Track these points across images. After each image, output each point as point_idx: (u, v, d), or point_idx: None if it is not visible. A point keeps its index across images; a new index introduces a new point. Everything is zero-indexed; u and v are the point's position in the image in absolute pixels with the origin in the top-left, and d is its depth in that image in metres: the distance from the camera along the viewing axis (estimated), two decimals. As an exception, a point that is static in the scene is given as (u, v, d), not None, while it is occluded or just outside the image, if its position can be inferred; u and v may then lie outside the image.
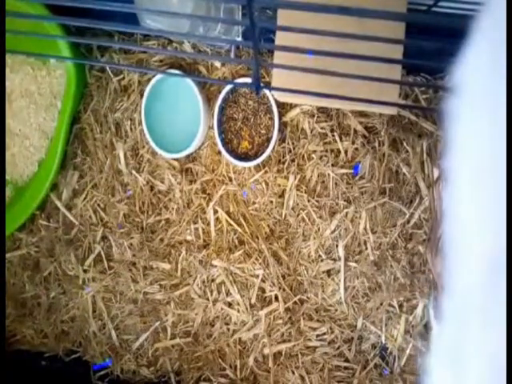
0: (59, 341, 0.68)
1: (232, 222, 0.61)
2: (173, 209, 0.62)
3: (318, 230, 0.59)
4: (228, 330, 0.63)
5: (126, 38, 0.63)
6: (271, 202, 0.60)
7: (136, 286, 0.64)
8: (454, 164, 0.18)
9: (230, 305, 0.62)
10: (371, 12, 0.23)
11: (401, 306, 0.60)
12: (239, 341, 0.63)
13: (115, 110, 0.63)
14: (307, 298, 0.61)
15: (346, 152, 0.59)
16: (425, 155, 0.58)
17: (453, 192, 0.18)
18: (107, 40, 0.63)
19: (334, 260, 0.60)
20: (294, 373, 0.61)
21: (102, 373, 0.67)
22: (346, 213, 0.59)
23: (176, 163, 0.62)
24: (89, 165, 0.65)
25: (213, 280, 0.62)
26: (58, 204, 0.65)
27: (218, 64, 0.61)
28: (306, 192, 0.59)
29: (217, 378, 0.63)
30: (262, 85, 0.36)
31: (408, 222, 0.59)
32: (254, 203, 0.61)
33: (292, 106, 0.59)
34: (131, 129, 0.63)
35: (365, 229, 0.59)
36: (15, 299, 0.68)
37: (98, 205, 0.65)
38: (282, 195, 0.60)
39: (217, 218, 0.62)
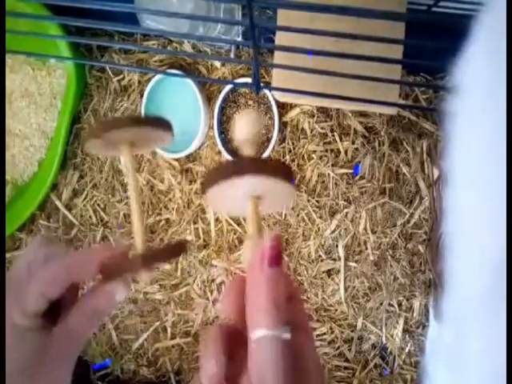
0: (59, 341, 0.68)
1: (232, 222, 0.61)
2: (173, 209, 0.62)
3: (318, 229, 0.59)
4: (228, 330, 0.62)
5: (126, 38, 0.63)
6: (271, 201, 0.60)
7: (136, 285, 0.64)
8: (454, 164, 0.18)
9: (230, 305, 0.62)
10: (371, 12, 0.23)
11: (400, 306, 0.60)
12: (239, 341, 0.62)
13: (115, 110, 0.63)
14: (307, 297, 0.61)
15: (346, 152, 0.59)
16: (425, 155, 0.58)
17: (453, 192, 0.18)
18: (107, 40, 0.63)
19: (334, 260, 0.60)
20: (294, 373, 0.61)
21: (101, 373, 0.67)
22: (346, 213, 0.59)
23: (176, 163, 0.62)
24: (89, 165, 0.65)
25: (213, 280, 0.62)
26: (58, 204, 0.65)
27: (218, 64, 0.61)
28: (305, 192, 0.59)
29: (217, 378, 0.63)
30: (262, 85, 0.36)
31: (408, 221, 0.59)
32: (253, 203, 0.61)
33: (292, 106, 0.59)
34: (131, 129, 0.63)
35: (365, 229, 0.59)
36: (15, 299, 0.68)
37: (98, 205, 0.65)
38: (282, 195, 0.60)
39: (217, 218, 0.62)
